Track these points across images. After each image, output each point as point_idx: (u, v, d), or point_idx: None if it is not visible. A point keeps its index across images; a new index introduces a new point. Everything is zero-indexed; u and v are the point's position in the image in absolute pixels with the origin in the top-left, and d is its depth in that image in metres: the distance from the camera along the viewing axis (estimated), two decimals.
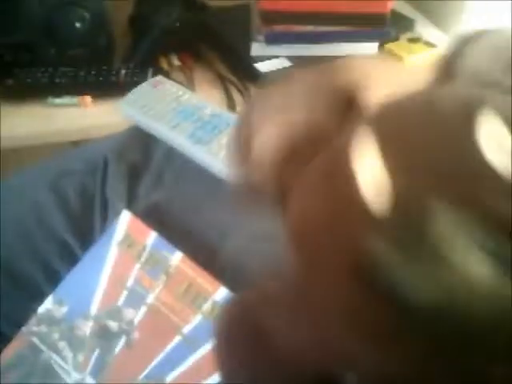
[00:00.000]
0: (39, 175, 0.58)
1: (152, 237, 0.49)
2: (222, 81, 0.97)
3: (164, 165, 0.57)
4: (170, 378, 0.45)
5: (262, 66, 0.96)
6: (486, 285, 0.18)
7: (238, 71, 0.99)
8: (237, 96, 0.94)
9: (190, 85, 0.95)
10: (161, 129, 0.58)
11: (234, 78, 0.98)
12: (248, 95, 0.93)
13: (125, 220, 0.50)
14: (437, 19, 1.21)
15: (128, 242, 0.49)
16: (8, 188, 0.59)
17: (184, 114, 0.59)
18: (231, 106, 0.91)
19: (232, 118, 0.59)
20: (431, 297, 0.18)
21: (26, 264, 0.53)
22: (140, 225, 0.50)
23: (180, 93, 0.62)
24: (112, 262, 0.49)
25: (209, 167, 0.55)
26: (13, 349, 0.49)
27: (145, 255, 0.49)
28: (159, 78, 0.66)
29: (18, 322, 0.51)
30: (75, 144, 1.02)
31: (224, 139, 0.56)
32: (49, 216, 0.54)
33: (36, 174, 0.59)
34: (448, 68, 0.31)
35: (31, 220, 0.54)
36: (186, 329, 0.46)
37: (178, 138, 0.57)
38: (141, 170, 0.56)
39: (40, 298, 0.51)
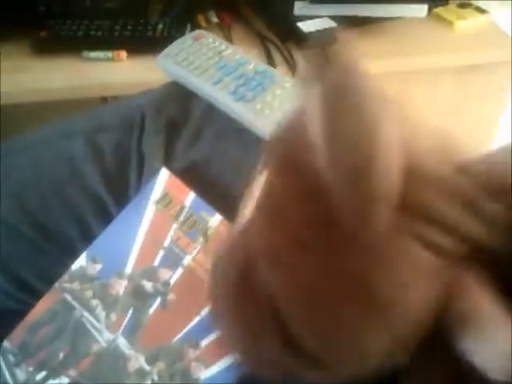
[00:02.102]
0: (74, 128, 0.56)
1: (191, 197, 0.47)
2: (262, 40, 0.93)
3: (203, 122, 0.54)
4: (205, 342, 0.43)
5: (305, 26, 0.92)
6: None
7: (280, 30, 0.95)
8: (277, 56, 0.90)
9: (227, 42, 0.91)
10: (201, 85, 0.55)
11: (274, 38, 0.94)
12: (289, 56, 0.90)
13: (163, 178, 0.48)
14: None
15: (166, 201, 0.47)
16: (41, 140, 0.57)
17: (226, 69, 0.56)
18: (271, 66, 0.87)
19: (277, 75, 0.56)
20: None
21: (59, 217, 0.52)
22: (179, 184, 0.48)
23: (223, 47, 0.59)
24: (149, 220, 0.47)
25: (251, 126, 0.52)
26: (44, 304, 0.48)
27: (183, 215, 0.46)
28: (201, 31, 0.63)
29: (49, 277, 0.50)
30: (104, 100, 1.00)
31: (268, 97, 0.53)
32: (83, 170, 0.52)
33: (71, 127, 0.57)
34: None
35: (65, 173, 0.53)
36: None
37: (219, 95, 0.54)
38: (179, 126, 0.54)
39: (72, 253, 0.50)
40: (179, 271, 0.45)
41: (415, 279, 0.21)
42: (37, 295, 0.50)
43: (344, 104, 0.20)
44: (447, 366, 0.24)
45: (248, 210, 0.28)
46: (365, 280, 0.21)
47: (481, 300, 0.21)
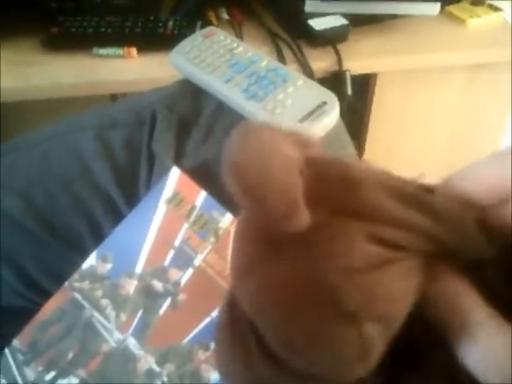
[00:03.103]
0: (84, 124, 0.55)
1: (202, 196, 0.46)
2: (273, 37, 0.92)
3: (214, 120, 0.53)
4: None
5: (316, 24, 0.91)
6: None
7: (290, 28, 0.94)
8: (288, 54, 0.90)
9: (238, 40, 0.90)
10: (212, 82, 0.55)
11: (285, 35, 0.93)
12: (300, 53, 0.89)
13: (174, 177, 0.48)
14: None
15: (177, 200, 0.47)
16: (50, 135, 0.56)
17: (238, 67, 0.56)
18: (282, 64, 0.87)
19: (289, 73, 0.55)
20: None
21: (67, 213, 0.52)
22: (190, 183, 0.47)
23: (234, 45, 0.58)
24: (159, 219, 0.47)
25: None
26: (54, 303, 0.48)
27: (194, 215, 0.46)
28: (212, 28, 0.62)
29: (57, 274, 0.50)
30: (114, 98, 0.99)
31: (280, 96, 0.52)
32: (93, 166, 0.52)
33: (81, 123, 0.56)
34: None
35: (75, 169, 0.52)
36: None
37: (231, 93, 0.53)
38: (190, 124, 0.53)
39: (81, 250, 0.50)
40: (190, 271, 0.45)
41: (374, 274, 0.21)
42: (44, 293, 0.49)
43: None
44: (441, 370, 0.24)
45: None
46: (315, 274, 0.22)
47: (460, 293, 0.22)
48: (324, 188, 0.23)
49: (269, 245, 0.23)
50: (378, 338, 0.22)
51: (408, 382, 0.26)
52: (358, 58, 0.92)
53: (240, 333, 0.24)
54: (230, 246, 0.30)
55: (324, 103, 0.51)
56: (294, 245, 0.22)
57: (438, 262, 0.23)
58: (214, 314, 0.44)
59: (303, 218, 0.21)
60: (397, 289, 0.22)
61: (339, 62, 0.89)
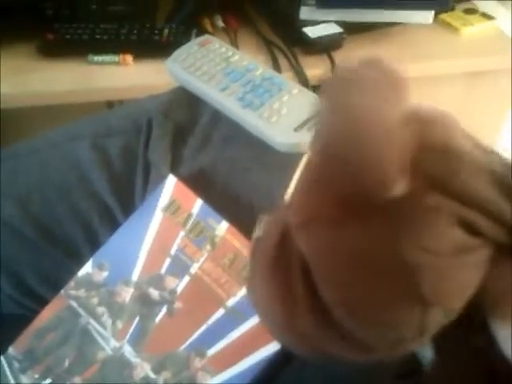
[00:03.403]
0: (81, 132, 0.56)
1: (198, 204, 0.47)
2: (268, 45, 0.93)
3: (211, 128, 0.54)
4: (211, 350, 0.43)
5: (311, 31, 0.92)
6: None
7: (286, 35, 0.94)
8: (283, 61, 0.90)
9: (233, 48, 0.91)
10: (208, 91, 0.55)
11: (280, 43, 0.93)
12: (295, 61, 0.89)
13: (170, 185, 0.48)
14: None
15: (173, 208, 0.47)
16: (47, 143, 0.57)
17: (233, 75, 0.56)
18: (277, 71, 0.87)
19: (284, 82, 0.56)
20: None
21: (64, 221, 0.52)
22: (186, 191, 0.47)
23: (230, 53, 0.59)
24: (156, 227, 0.47)
25: (258, 133, 0.52)
26: (50, 310, 0.48)
27: (190, 223, 0.46)
28: (208, 36, 0.63)
29: (53, 281, 0.50)
30: (110, 105, 1.00)
31: (275, 104, 0.53)
32: (90, 174, 0.52)
33: (78, 131, 0.56)
34: None
35: (72, 177, 0.53)
36: (231, 302, 0.44)
37: (227, 102, 0.54)
38: (186, 131, 0.54)
39: (77, 257, 0.50)
40: (186, 279, 0.45)
41: (454, 262, 0.21)
42: (41, 300, 0.50)
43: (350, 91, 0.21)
44: (476, 357, 0.24)
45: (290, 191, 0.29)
46: (396, 248, 0.21)
47: None
48: (424, 159, 0.22)
49: (343, 207, 0.22)
50: (436, 324, 0.22)
51: (445, 366, 0.26)
52: None
53: (288, 276, 0.23)
54: (295, 182, 0.28)
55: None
56: (375, 213, 0.22)
57: (504, 252, 0.22)
58: (211, 321, 0.44)
59: (399, 186, 0.21)
60: (469, 280, 0.21)
61: (334, 69, 0.89)
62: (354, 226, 0.22)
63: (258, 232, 0.27)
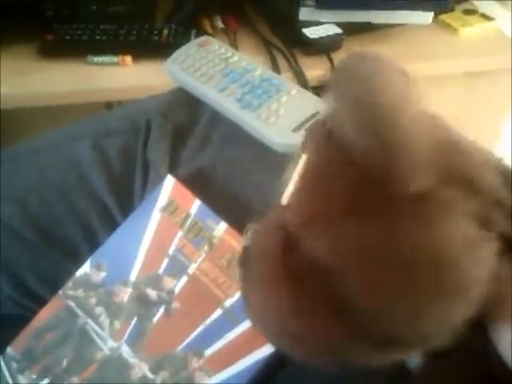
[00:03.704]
0: (81, 133, 0.56)
1: (196, 204, 0.47)
2: (267, 46, 0.93)
3: (210, 129, 0.54)
4: (209, 351, 0.43)
5: (310, 32, 0.92)
6: None
7: (285, 36, 0.94)
8: (282, 62, 0.90)
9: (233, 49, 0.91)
10: (207, 91, 0.55)
11: (279, 43, 0.93)
12: (294, 61, 0.89)
13: (169, 185, 0.48)
14: None
15: (171, 209, 0.47)
16: (47, 144, 0.57)
17: (232, 76, 0.56)
18: (276, 72, 0.87)
19: (283, 82, 0.56)
20: None
21: (63, 222, 0.52)
22: (184, 191, 0.47)
23: (229, 54, 0.59)
24: (154, 227, 0.47)
25: (257, 134, 0.52)
26: (49, 311, 0.48)
27: (188, 223, 0.46)
28: (207, 37, 0.63)
29: (52, 282, 0.50)
30: (109, 106, 1.00)
31: (274, 105, 0.53)
32: (89, 175, 0.52)
33: (77, 132, 0.56)
34: None
35: (71, 178, 0.53)
36: (228, 302, 0.44)
37: (225, 102, 0.54)
38: (186, 132, 0.54)
39: (76, 258, 0.50)
40: (184, 279, 0.45)
41: (470, 259, 0.22)
42: (40, 300, 0.50)
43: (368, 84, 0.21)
44: (472, 358, 0.24)
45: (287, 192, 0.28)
46: (413, 241, 0.21)
47: None
48: (442, 154, 0.22)
49: (355, 202, 0.22)
50: (459, 318, 0.22)
51: (438, 367, 0.26)
52: None
53: (302, 283, 0.23)
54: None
55: (318, 113, 0.51)
56: (388, 209, 0.22)
57: (504, 252, 0.23)
58: (208, 321, 0.44)
59: (421, 181, 0.21)
60: (484, 274, 0.22)
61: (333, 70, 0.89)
62: (377, 221, 0.22)
63: (245, 241, 0.27)
